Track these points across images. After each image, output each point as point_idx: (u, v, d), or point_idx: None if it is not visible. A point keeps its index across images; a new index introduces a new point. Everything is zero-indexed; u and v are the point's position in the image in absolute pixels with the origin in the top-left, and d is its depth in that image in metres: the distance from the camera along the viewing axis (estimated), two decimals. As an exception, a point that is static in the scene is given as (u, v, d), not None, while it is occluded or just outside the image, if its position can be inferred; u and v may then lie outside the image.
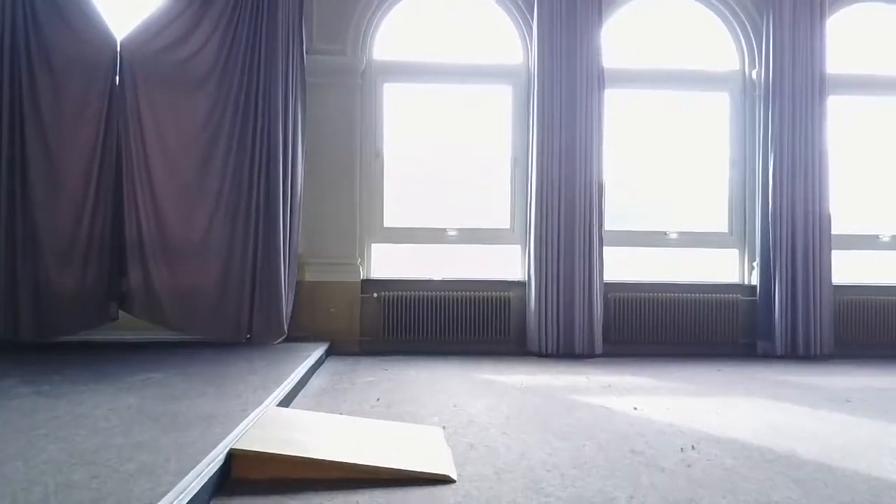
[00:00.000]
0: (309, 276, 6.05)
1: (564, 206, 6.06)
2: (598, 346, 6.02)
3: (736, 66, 6.64)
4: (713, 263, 6.70)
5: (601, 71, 6.12)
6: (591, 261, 6.04)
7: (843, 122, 6.57)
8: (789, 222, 6.17)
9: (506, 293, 6.19)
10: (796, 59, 6.24)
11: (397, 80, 6.47)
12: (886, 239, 6.65)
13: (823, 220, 6.19)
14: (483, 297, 6.15)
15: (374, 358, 5.68)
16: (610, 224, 6.33)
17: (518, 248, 6.40)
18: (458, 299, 6.12)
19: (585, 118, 6.06)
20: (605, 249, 6.15)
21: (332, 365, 5.32)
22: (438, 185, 6.55)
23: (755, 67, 6.48)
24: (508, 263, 6.44)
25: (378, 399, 4.03)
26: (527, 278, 6.17)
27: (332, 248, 6.13)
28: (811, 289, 6.12)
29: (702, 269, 6.70)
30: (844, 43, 6.62)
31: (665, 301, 6.23)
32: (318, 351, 5.33)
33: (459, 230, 6.41)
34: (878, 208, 6.79)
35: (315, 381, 4.60)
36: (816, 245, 6.16)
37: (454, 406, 3.84)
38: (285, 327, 5.61)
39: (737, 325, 6.28)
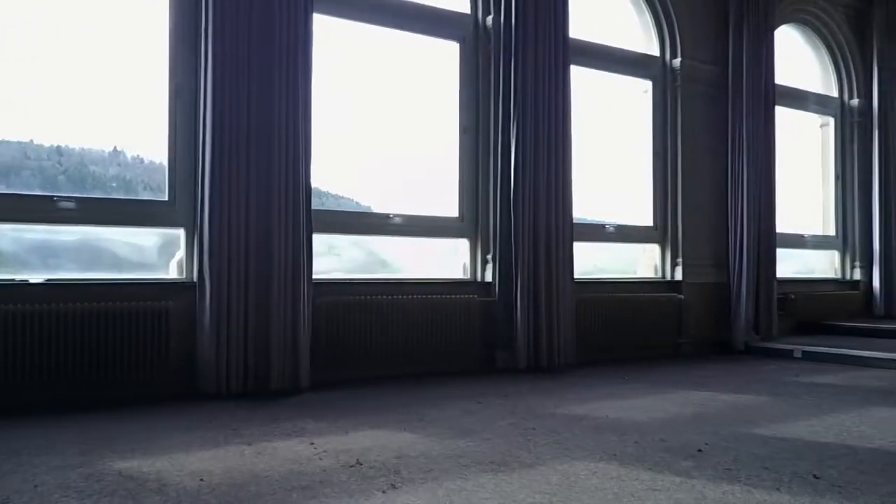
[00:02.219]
0: None
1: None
2: (305, 375, 4.17)
3: (467, 8, 5.37)
4: (445, 255, 5.35)
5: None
6: (297, 253, 4.16)
7: (589, 100, 5.75)
8: (531, 207, 5.08)
9: (161, 303, 3.95)
10: (539, 15, 5.17)
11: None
12: (612, 230, 6.04)
13: (567, 207, 5.24)
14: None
15: None
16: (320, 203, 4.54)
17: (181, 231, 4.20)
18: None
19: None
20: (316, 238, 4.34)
21: None
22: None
23: (490, 14, 5.27)
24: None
25: None
26: (196, 278, 4.02)
27: None
28: (554, 287, 5.12)
29: (434, 261, 5.31)
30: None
31: (385, 305, 4.65)
32: None
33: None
34: (609, 195, 6.18)
35: None
36: (560, 236, 5.18)
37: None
38: None
39: (473, 332, 4.99)
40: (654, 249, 6.32)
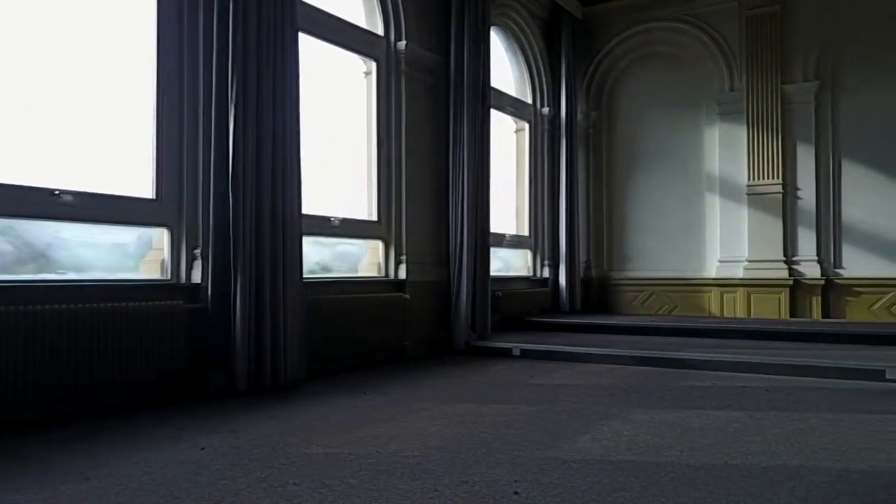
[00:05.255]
0: None
1: None
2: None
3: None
4: (136, 249, 4.07)
5: None
6: None
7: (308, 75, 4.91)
8: (253, 192, 4.12)
9: None
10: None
11: None
12: (337, 223, 5.33)
13: (295, 194, 4.38)
14: None
15: None
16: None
17: None
18: None
19: None
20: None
21: None
22: None
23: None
24: None
25: None
26: None
27: None
28: (281, 289, 4.23)
29: (116, 258, 4.00)
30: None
31: (47, 317, 3.29)
32: None
33: None
34: (331, 185, 5.44)
35: None
36: (287, 230, 4.30)
37: None
38: None
39: (177, 348, 3.85)
40: (377, 246, 5.79)
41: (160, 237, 4.12)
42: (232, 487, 2.37)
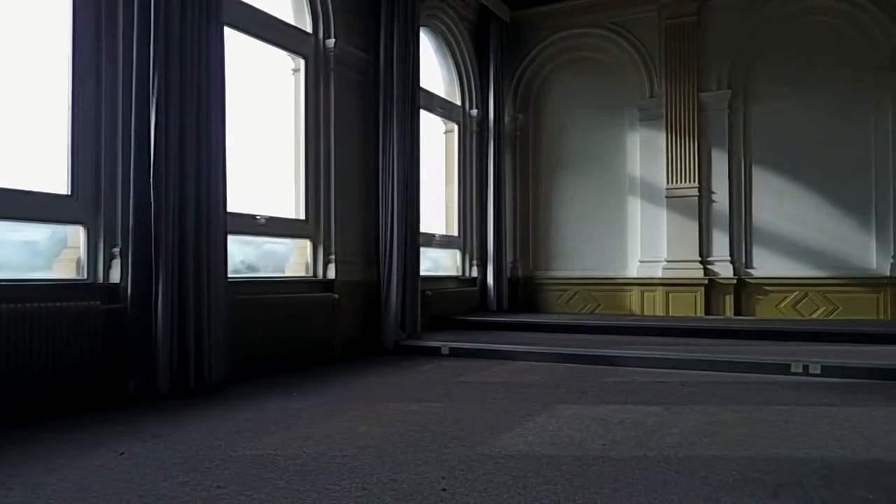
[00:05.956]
0: None
1: None
2: None
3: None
4: (47, 247, 3.89)
5: None
6: None
7: (235, 70, 4.81)
8: (176, 187, 4.01)
9: None
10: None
11: None
12: (263, 222, 5.24)
13: (218, 194, 4.27)
14: None
15: None
16: None
17: None
18: None
19: None
20: None
21: None
22: None
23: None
24: None
25: None
26: None
27: None
28: (205, 289, 4.13)
29: (24, 256, 3.82)
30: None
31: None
32: None
33: None
34: (257, 182, 5.34)
35: None
36: (212, 228, 4.19)
37: None
38: None
39: (93, 351, 3.70)
40: (305, 245, 5.72)
41: (76, 235, 3.95)
42: (153, 493, 2.31)
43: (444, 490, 2.34)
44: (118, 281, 3.93)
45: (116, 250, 3.95)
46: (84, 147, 3.90)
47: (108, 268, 3.95)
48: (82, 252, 3.94)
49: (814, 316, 7.38)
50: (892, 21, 7.13)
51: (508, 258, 8.62)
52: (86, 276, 3.93)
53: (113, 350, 3.79)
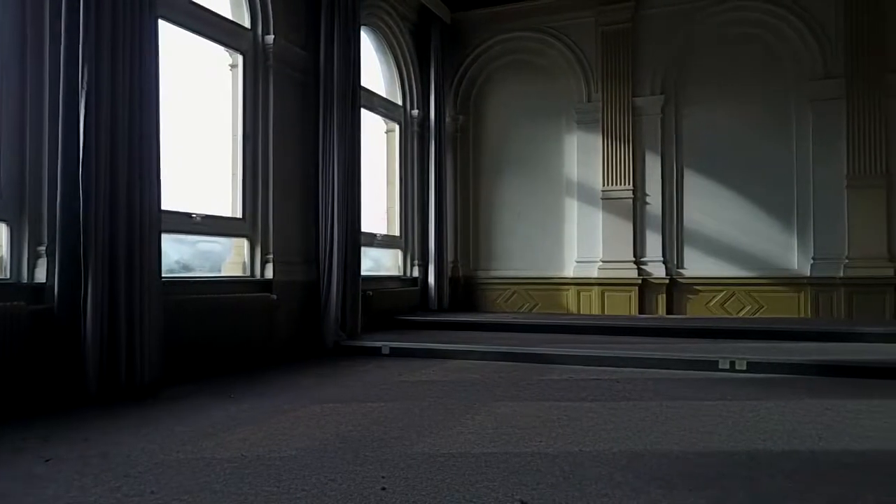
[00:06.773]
0: None
1: None
2: None
3: None
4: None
5: None
6: None
7: (170, 63, 4.68)
8: (107, 184, 3.87)
9: None
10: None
11: None
12: (199, 220, 5.12)
13: (151, 192, 4.15)
14: None
15: None
16: None
17: None
18: None
19: None
20: None
21: None
22: None
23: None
24: None
25: None
26: None
27: None
28: (138, 288, 4.00)
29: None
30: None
31: None
32: None
33: None
34: (192, 180, 5.21)
35: None
36: (145, 227, 4.07)
37: None
38: None
39: (18, 353, 3.53)
40: (242, 244, 5.62)
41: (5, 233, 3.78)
42: (82, 500, 2.24)
43: (383, 489, 2.35)
44: (44, 280, 3.77)
45: (42, 249, 3.80)
46: (7, 141, 3.74)
47: (33, 267, 3.80)
48: (5, 251, 3.77)
49: (740, 314, 7.70)
50: (812, 33, 7.50)
51: (449, 258, 8.67)
52: (9, 276, 3.76)
53: (39, 352, 3.64)
